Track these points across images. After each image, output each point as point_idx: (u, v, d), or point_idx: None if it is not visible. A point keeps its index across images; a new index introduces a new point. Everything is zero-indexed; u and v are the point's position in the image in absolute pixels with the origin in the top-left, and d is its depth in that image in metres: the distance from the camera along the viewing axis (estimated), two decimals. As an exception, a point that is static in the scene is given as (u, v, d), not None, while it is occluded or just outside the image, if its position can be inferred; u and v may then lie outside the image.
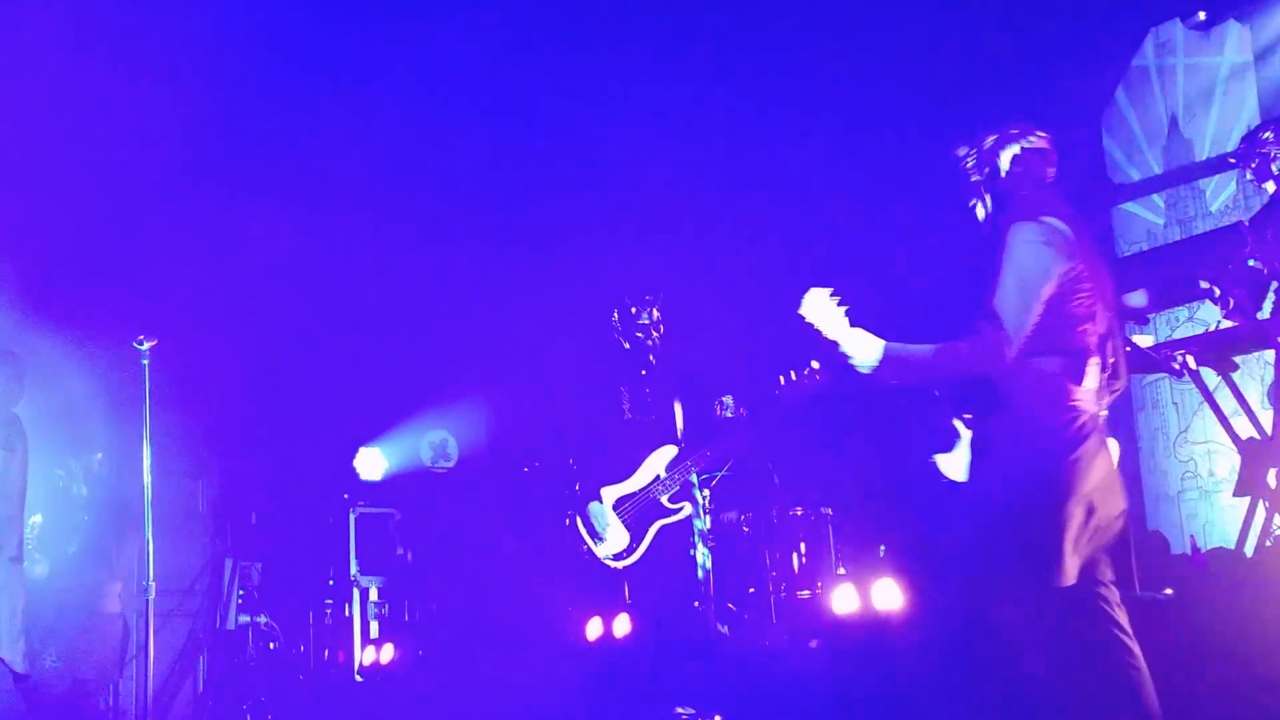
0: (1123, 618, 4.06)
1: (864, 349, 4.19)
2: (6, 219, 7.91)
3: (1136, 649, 4.00)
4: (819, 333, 4.27)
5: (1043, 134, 4.32)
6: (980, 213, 4.34)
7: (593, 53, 9.57)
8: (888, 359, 4.19)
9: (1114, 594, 4.09)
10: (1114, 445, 4.36)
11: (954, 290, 4.64)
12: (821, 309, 4.24)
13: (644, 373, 6.89)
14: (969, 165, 4.34)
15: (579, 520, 6.94)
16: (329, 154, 9.61)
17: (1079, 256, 4.09)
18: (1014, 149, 4.27)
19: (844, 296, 4.32)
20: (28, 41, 8.02)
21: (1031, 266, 4.02)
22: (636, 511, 6.62)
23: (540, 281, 10.23)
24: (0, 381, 6.00)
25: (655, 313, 6.89)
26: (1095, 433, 4.03)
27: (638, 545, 6.58)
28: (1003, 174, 4.27)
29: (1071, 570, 3.94)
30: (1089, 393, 4.05)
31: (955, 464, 4.36)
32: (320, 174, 9.66)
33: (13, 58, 7.93)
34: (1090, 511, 3.97)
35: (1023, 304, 3.99)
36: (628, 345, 6.92)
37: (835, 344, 4.24)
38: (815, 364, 5.30)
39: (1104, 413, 4.16)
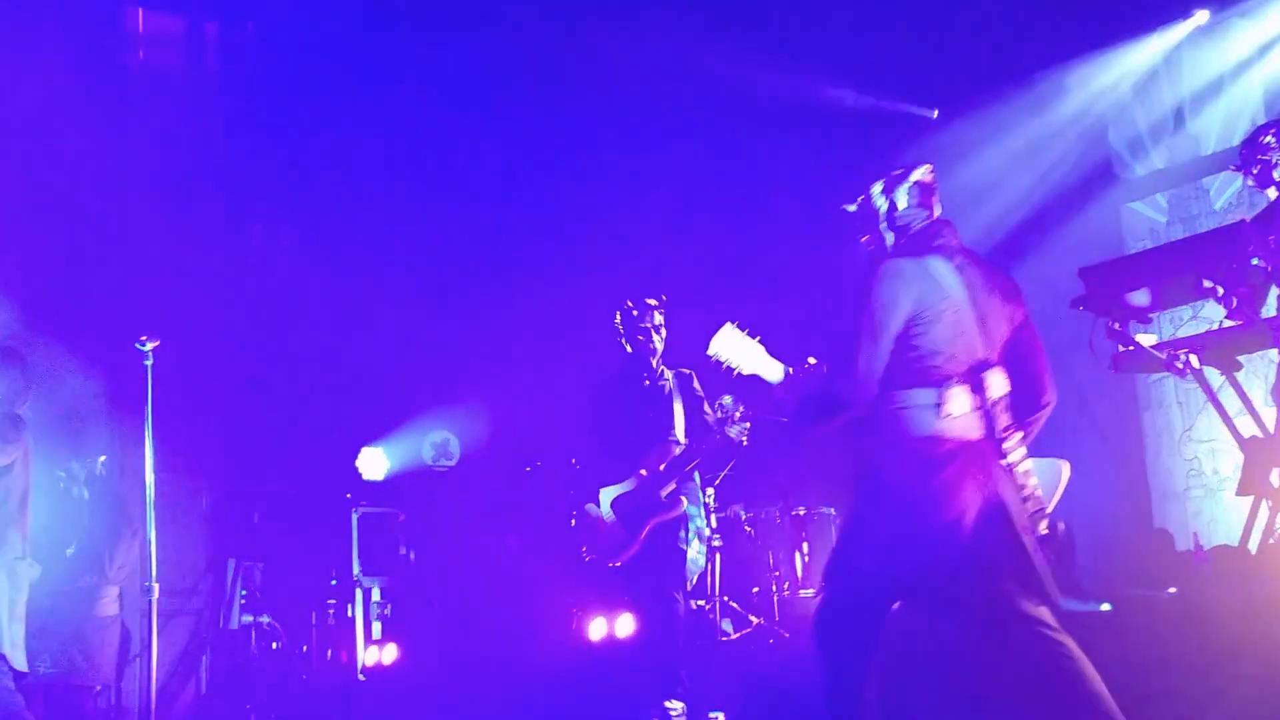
0: (1042, 614, 4.18)
1: (776, 375, 4.43)
2: (11, 221, 7.91)
3: (1066, 640, 4.13)
4: (731, 370, 4.46)
5: (929, 168, 4.51)
6: (881, 244, 4.51)
7: (599, 54, 9.57)
8: (788, 384, 4.43)
9: (1026, 599, 4.21)
10: (1061, 466, 4.59)
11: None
12: (733, 343, 4.43)
13: (646, 380, 6.86)
14: (876, 203, 4.51)
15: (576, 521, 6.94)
16: (331, 156, 9.62)
17: (945, 291, 4.21)
18: (908, 184, 4.46)
19: (754, 328, 4.49)
20: (33, 46, 8.04)
21: (878, 305, 4.20)
22: (632, 509, 6.61)
23: (542, 282, 10.23)
24: (5, 382, 5.98)
25: (658, 315, 6.87)
26: (966, 457, 4.16)
27: (632, 543, 6.57)
28: (900, 209, 4.45)
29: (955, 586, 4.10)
30: (956, 420, 4.16)
31: None
32: (323, 176, 9.68)
33: (17, 63, 7.95)
34: (962, 530, 4.09)
35: (870, 340, 4.19)
36: (630, 348, 6.90)
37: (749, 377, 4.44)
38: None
39: (1014, 436, 4.26)
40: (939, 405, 4.16)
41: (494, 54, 9.54)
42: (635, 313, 6.84)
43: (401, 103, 9.65)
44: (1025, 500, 4.26)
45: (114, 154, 8.41)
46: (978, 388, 4.21)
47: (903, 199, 4.47)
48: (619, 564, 6.68)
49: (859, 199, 4.56)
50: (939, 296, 4.21)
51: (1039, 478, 4.34)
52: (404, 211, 10.25)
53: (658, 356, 6.86)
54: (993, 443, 4.23)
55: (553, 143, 10.29)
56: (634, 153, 10.25)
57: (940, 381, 4.18)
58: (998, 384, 4.24)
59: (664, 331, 6.86)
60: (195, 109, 8.66)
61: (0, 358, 6.02)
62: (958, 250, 4.37)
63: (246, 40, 8.65)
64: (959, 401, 4.17)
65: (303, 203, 9.62)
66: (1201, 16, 8.93)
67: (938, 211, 4.49)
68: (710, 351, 4.46)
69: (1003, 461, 4.23)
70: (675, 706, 6.37)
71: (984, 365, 4.23)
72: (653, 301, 6.82)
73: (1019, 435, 4.29)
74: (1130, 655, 5.60)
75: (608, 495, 6.71)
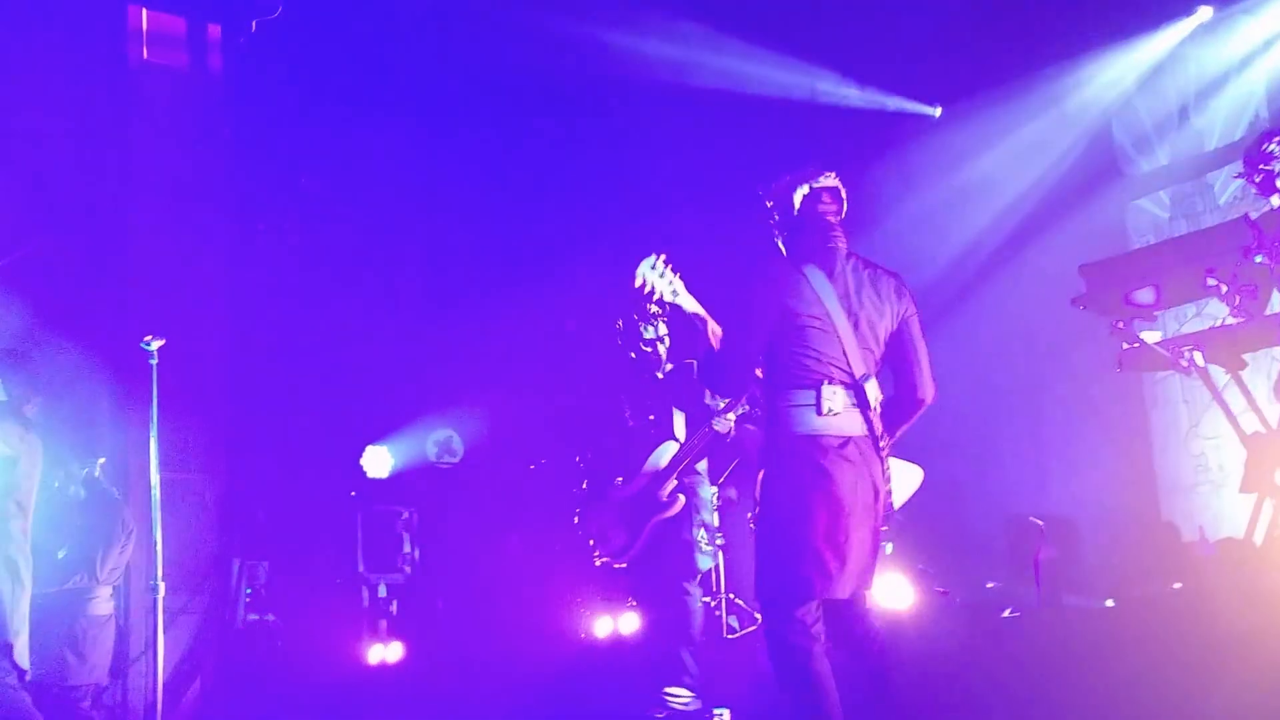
0: (818, 630, 4.39)
1: (698, 309, 4.59)
2: (13, 222, 7.92)
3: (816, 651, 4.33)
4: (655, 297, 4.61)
5: (832, 174, 4.66)
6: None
7: (602, 51, 9.57)
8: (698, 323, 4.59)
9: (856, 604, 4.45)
10: (917, 471, 4.74)
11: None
12: (657, 275, 4.57)
13: (649, 383, 6.86)
14: (768, 205, 4.67)
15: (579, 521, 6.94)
16: (332, 155, 9.63)
17: (814, 300, 4.41)
18: (804, 189, 4.60)
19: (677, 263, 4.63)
20: (35, 46, 8.04)
21: (745, 304, 4.44)
22: (634, 509, 6.62)
23: (546, 279, 10.23)
24: (13, 384, 5.98)
25: (662, 326, 6.86)
26: (848, 449, 4.37)
27: (635, 542, 6.57)
28: (794, 212, 4.59)
29: (819, 582, 4.30)
30: (837, 416, 4.36)
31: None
32: (326, 175, 9.68)
33: (19, 62, 7.96)
34: (844, 520, 4.33)
35: (738, 335, 4.46)
36: (634, 355, 6.91)
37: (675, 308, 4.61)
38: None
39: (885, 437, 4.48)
40: (817, 404, 4.35)
41: (502, 52, 9.53)
42: (640, 326, 6.84)
43: (404, 100, 9.66)
44: (887, 495, 4.47)
45: (117, 153, 8.41)
46: (855, 391, 4.41)
47: (796, 201, 4.61)
48: (624, 565, 6.68)
49: (764, 193, 4.69)
50: (807, 305, 4.39)
51: (897, 479, 4.55)
52: (407, 209, 10.26)
53: (663, 364, 6.89)
54: (873, 439, 4.43)
55: (557, 139, 10.30)
56: (638, 151, 10.26)
57: (816, 383, 4.36)
58: (873, 392, 4.44)
59: (668, 340, 6.86)
60: (199, 108, 8.66)
61: (7, 361, 6.02)
62: (841, 257, 4.54)
63: (250, 40, 8.63)
64: (837, 399, 4.37)
65: (307, 201, 9.63)
66: (1205, 13, 8.92)
67: (834, 218, 4.60)
68: (637, 280, 4.61)
69: (880, 457, 4.44)
70: (682, 694, 6.36)
71: (863, 375, 4.42)
72: (655, 310, 6.80)
73: (889, 435, 4.51)
74: (1135, 649, 5.62)
75: (617, 494, 6.73)
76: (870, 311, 4.51)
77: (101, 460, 7.26)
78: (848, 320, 4.43)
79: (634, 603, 7.73)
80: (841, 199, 4.66)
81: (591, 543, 6.83)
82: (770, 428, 4.44)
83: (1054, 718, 5.47)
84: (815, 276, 4.44)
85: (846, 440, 4.37)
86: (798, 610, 4.33)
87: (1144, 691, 5.26)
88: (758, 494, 4.46)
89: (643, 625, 7.09)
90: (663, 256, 4.57)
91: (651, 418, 6.79)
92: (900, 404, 4.59)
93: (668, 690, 6.39)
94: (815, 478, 4.32)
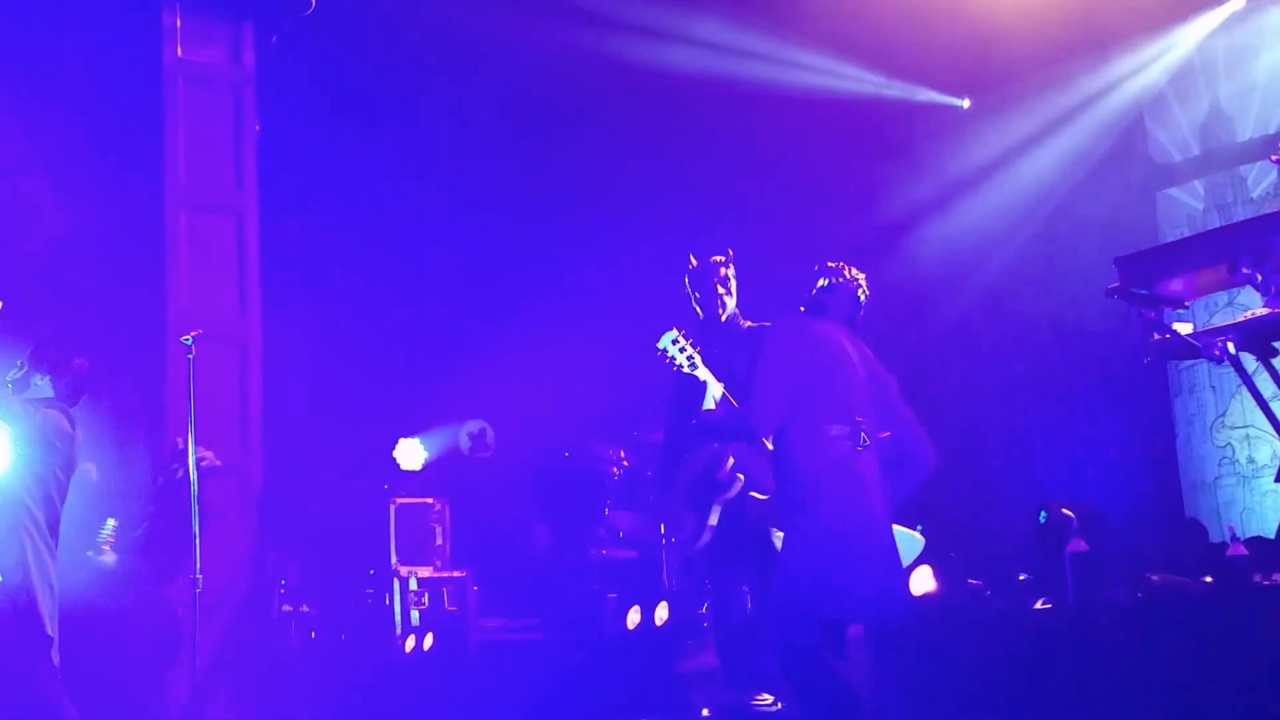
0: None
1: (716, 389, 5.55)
2: (48, 221, 8.00)
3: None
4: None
5: (862, 277, 5.38)
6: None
7: (631, 47, 9.60)
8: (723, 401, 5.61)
9: None
10: (913, 539, 5.57)
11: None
12: (677, 349, 5.54)
13: (715, 346, 6.47)
14: (822, 282, 5.37)
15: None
16: (366, 153, 9.68)
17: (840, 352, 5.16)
18: (832, 280, 5.34)
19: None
20: (70, 45, 8.12)
21: (778, 355, 5.14)
22: (697, 492, 6.31)
23: (580, 270, 10.27)
24: (60, 384, 6.04)
25: (724, 270, 6.50)
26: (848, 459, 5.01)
27: (702, 527, 6.25)
28: (829, 292, 5.35)
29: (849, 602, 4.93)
30: (841, 434, 5.01)
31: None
32: (358, 172, 9.73)
33: (55, 60, 8.04)
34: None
35: (770, 384, 5.08)
36: (700, 311, 6.47)
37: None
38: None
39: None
40: (837, 436, 4.97)
41: (536, 50, 9.56)
42: (699, 269, 6.45)
43: (435, 97, 9.70)
44: None
45: (151, 150, 8.49)
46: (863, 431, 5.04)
47: (823, 282, 5.36)
48: (693, 551, 6.38)
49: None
50: (838, 358, 5.10)
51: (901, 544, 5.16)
52: (440, 203, 10.30)
53: (728, 313, 6.48)
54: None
55: (587, 136, 10.32)
56: (670, 143, 10.27)
57: (837, 419, 4.99)
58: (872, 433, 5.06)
59: (733, 286, 6.47)
60: (232, 105, 8.73)
61: (52, 360, 6.07)
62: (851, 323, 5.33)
63: (282, 38, 8.70)
64: (851, 435, 4.99)
65: (339, 198, 9.69)
66: (1237, 2, 8.88)
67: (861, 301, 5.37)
68: (659, 347, 5.49)
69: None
70: (765, 698, 6.16)
71: (864, 420, 5.03)
72: (719, 258, 6.48)
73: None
74: (1163, 645, 5.62)
75: (681, 476, 6.42)
76: (870, 372, 5.20)
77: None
78: (861, 372, 5.13)
79: (669, 595, 7.68)
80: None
81: (663, 529, 6.72)
82: (809, 454, 4.95)
83: (1085, 711, 5.48)
84: (840, 336, 5.18)
85: (863, 469, 4.96)
86: (826, 623, 4.76)
87: (1174, 686, 5.26)
88: (798, 510, 4.93)
89: (710, 617, 6.89)
90: (682, 331, 5.49)
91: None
92: (912, 468, 5.24)
93: (756, 700, 6.18)
94: (859, 499, 4.89)
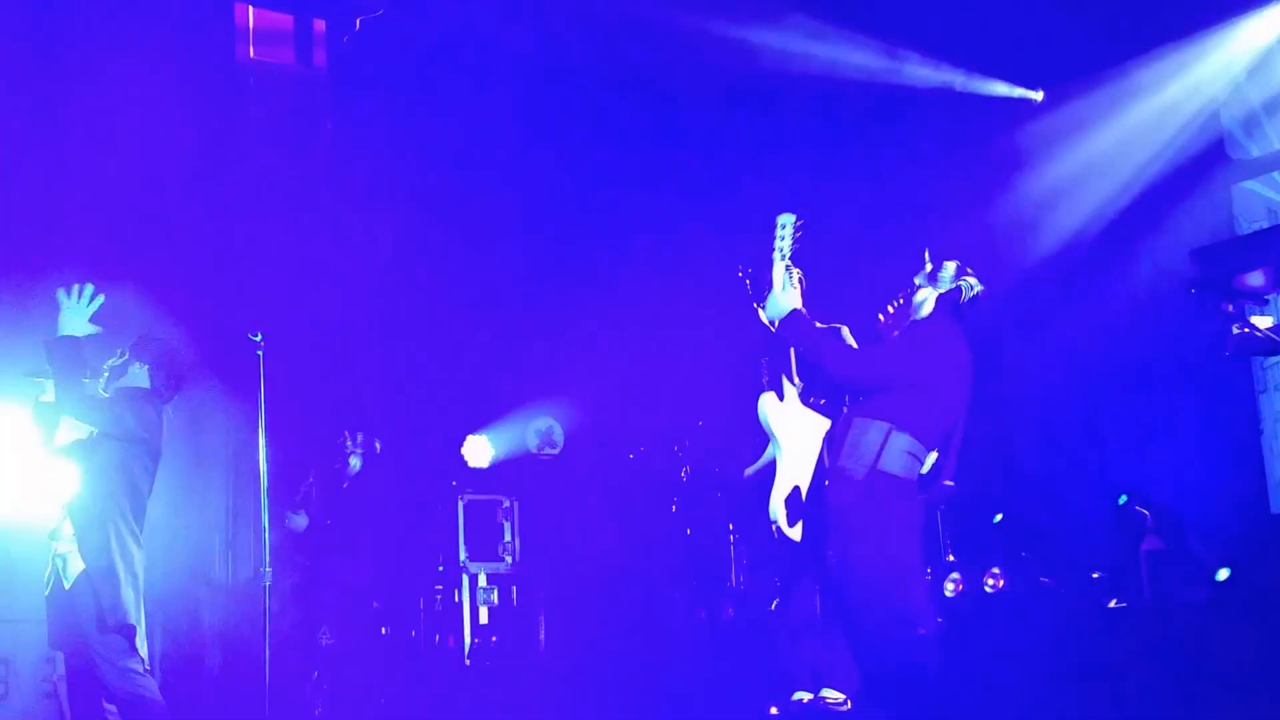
0: None
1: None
2: (123, 218, 8.12)
3: None
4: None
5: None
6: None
7: (697, 43, 9.55)
8: None
9: None
10: None
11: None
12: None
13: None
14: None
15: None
16: (436, 150, 9.73)
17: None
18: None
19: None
20: (145, 45, 8.24)
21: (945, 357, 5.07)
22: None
23: (647, 269, 10.25)
24: (159, 377, 6.07)
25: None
26: None
27: (771, 522, 6.28)
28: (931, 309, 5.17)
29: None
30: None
31: None
32: (428, 170, 9.78)
33: (130, 60, 8.15)
34: None
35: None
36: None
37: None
38: (898, 301, 5.22)
39: None
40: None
41: (605, 45, 9.54)
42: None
43: (504, 94, 9.72)
44: None
45: (225, 149, 8.59)
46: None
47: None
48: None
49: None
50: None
51: None
52: (507, 200, 10.32)
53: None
54: None
55: (657, 130, 10.29)
56: (736, 141, 10.22)
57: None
58: None
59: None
60: (304, 103, 8.82)
61: (155, 352, 6.11)
62: None
63: (354, 36, 8.78)
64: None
65: (409, 196, 9.75)
66: (1319, -11, 8.67)
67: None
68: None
69: None
70: (834, 694, 6.14)
71: None
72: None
73: None
74: (1243, 646, 5.50)
75: (749, 471, 6.51)
76: None
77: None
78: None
79: (736, 592, 7.64)
80: None
81: (730, 526, 6.67)
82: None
83: (1159, 711, 5.38)
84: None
85: None
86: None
87: (1250, 689, 5.15)
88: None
89: (780, 614, 6.88)
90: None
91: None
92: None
93: (824, 692, 6.15)
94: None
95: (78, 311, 5.80)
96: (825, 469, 5.20)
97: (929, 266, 5.20)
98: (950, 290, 5.10)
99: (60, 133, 8.00)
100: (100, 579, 5.66)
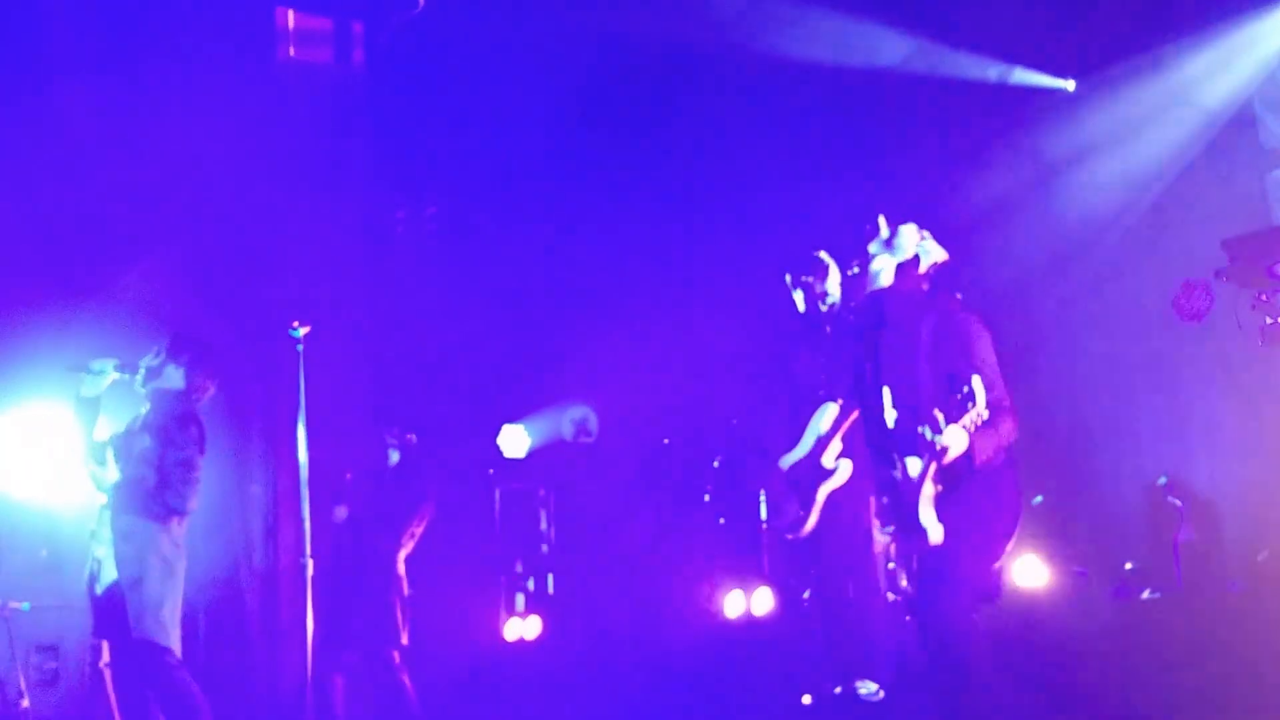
0: None
1: None
2: (166, 216, 8.22)
3: None
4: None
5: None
6: None
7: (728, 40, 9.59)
8: None
9: None
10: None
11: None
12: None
13: (817, 336, 6.29)
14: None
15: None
16: (473, 147, 9.79)
17: None
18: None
19: None
20: (186, 45, 8.33)
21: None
22: (803, 478, 6.20)
23: (681, 259, 10.30)
24: (194, 374, 6.15)
25: (833, 271, 6.28)
26: None
27: (808, 515, 6.13)
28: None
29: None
30: None
31: None
32: (465, 167, 9.85)
33: (171, 61, 8.25)
34: None
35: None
36: (802, 306, 6.34)
37: None
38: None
39: None
40: None
41: (643, 44, 9.58)
42: (807, 279, 6.31)
43: (540, 92, 9.77)
44: None
45: (264, 148, 8.68)
46: None
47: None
48: (797, 538, 6.24)
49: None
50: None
51: None
52: (544, 193, 10.37)
53: (828, 307, 6.31)
54: None
55: (689, 126, 10.32)
56: (770, 133, 10.23)
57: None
58: None
59: (837, 279, 6.28)
60: (342, 103, 8.91)
61: (191, 354, 6.15)
62: None
63: (392, 36, 8.86)
64: None
65: (445, 192, 9.82)
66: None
67: None
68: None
69: None
70: (868, 685, 6.08)
71: None
72: (824, 256, 6.36)
73: None
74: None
75: (786, 463, 6.32)
76: None
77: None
78: None
79: (771, 581, 7.67)
80: None
81: (764, 515, 6.62)
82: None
83: (1194, 703, 5.39)
84: None
85: None
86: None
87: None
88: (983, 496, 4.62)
89: (814, 605, 6.77)
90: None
91: (824, 377, 6.34)
92: None
93: (858, 684, 6.09)
94: None
95: (94, 385, 5.96)
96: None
97: (885, 233, 4.87)
98: (909, 259, 4.79)
99: (105, 131, 8.09)
100: (130, 589, 5.75)
